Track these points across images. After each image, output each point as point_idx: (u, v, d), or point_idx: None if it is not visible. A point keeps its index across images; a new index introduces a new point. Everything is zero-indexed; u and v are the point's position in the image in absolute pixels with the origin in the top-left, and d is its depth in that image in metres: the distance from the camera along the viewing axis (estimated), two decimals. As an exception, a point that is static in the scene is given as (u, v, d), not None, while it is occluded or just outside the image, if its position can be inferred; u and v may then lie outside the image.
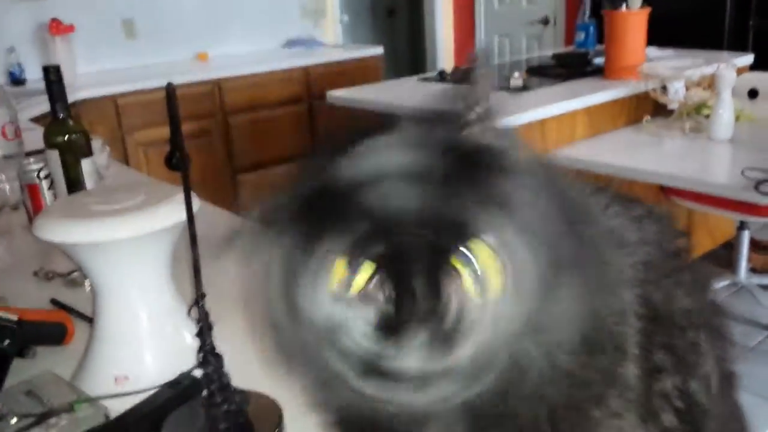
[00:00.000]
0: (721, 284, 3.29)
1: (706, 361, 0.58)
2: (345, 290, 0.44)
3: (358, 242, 0.43)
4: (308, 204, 0.46)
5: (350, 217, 0.43)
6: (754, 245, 3.57)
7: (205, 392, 0.89)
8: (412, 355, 0.42)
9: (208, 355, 0.87)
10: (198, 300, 0.87)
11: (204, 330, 0.86)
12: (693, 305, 0.58)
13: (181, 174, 0.89)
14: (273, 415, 0.91)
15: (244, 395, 0.91)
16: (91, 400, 0.95)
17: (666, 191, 3.00)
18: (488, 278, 0.43)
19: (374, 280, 0.43)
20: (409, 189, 0.43)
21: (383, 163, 0.45)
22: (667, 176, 2.71)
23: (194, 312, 0.88)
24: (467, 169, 0.44)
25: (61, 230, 0.95)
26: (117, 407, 0.95)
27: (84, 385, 1.01)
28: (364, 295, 0.43)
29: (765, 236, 3.75)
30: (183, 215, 0.91)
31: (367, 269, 0.43)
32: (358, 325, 0.44)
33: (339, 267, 0.44)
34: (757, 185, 2.32)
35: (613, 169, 2.75)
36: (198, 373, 0.93)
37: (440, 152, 0.45)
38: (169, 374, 0.99)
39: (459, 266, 0.43)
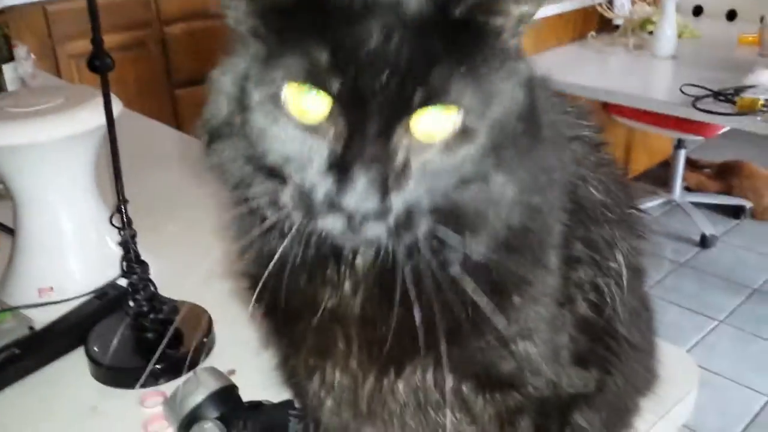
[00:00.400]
0: (656, 202, 3.38)
1: (618, 256, 0.60)
2: (298, 116, 0.44)
3: (318, 69, 0.43)
4: (287, 11, 0.45)
5: (320, 40, 0.43)
6: (690, 164, 3.66)
7: (130, 301, 0.87)
8: (349, 194, 0.43)
9: (132, 262, 0.84)
10: (120, 206, 0.83)
11: (127, 237, 0.84)
12: (610, 200, 0.60)
13: (100, 76, 0.85)
14: (202, 322, 0.90)
15: (172, 304, 0.89)
16: (14, 311, 0.92)
17: (608, 108, 3.02)
18: (437, 135, 0.44)
19: (329, 114, 0.44)
20: (388, 28, 0.43)
21: None
22: (609, 92, 2.72)
23: (116, 219, 0.85)
24: (450, 25, 0.44)
25: (-28, 133, 0.89)
26: (42, 319, 0.92)
27: (7, 298, 0.97)
28: (315, 128, 0.44)
29: (700, 156, 3.84)
30: (103, 118, 0.87)
31: (324, 100, 0.43)
32: (305, 155, 0.45)
33: (297, 91, 0.44)
34: (695, 102, 2.35)
35: (557, 85, 2.73)
36: (124, 282, 0.91)
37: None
38: (95, 284, 0.96)
39: (413, 117, 0.43)
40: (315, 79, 0.43)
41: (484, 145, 0.45)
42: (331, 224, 0.45)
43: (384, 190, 0.43)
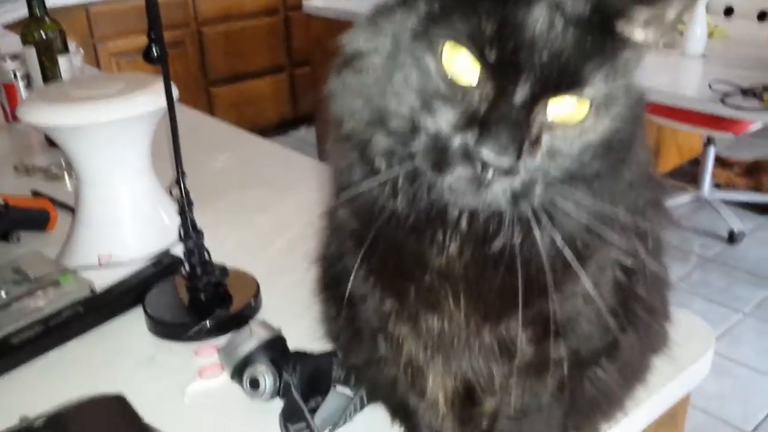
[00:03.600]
0: (685, 198, 3.40)
1: (646, 223, 0.65)
2: (450, 74, 0.49)
3: (480, 37, 0.48)
4: None
5: (492, 12, 0.47)
6: (719, 162, 3.67)
7: (186, 265, 0.95)
8: (489, 145, 0.47)
9: (189, 230, 0.92)
10: (179, 178, 0.91)
11: (184, 206, 0.91)
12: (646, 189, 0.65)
13: (161, 64, 0.92)
14: (250, 287, 0.98)
15: (223, 269, 0.97)
16: (77, 274, 1.01)
17: (636, 106, 3.05)
18: (568, 119, 0.50)
19: (479, 79, 0.49)
20: (552, 16, 0.48)
21: None
22: (638, 90, 2.74)
23: (175, 191, 0.93)
24: (599, 28, 0.49)
25: (45, 114, 0.98)
26: (102, 283, 1.01)
27: (69, 265, 1.06)
28: (464, 87, 0.49)
29: (729, 154, 3.84)
30: (162, 102, 0.95)
31: (475, 65, 0.48)
32: (449, 108, 0.49)
33: (454, 50, 0.49)
34: (723, 98, 2.38)
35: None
36: (178, 250, 0.99)
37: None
38: (149, 253, 1.04)
39: (554, 99, 0.49)
40: (475, 44, 0.48)
41: (600, 141, 0.51)
42: (460, 174, 0.49)
43: (520, 151, 0.48)
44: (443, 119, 0.49)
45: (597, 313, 0.63)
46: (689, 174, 3.63)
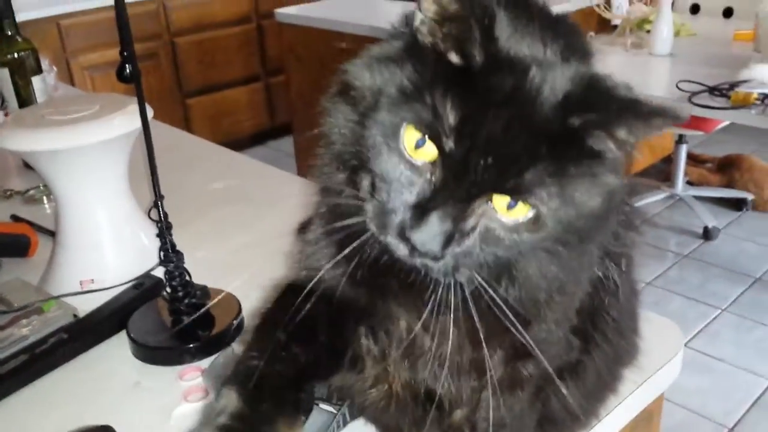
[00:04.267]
0: (660, 196, 3.45)
1: (622, 247, 0.68)
2: (407, 150, 0.52)
3: (441, 127, 0.50)
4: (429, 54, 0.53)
5: (457, 102, 0.50)
6: (691, 159, 3.74)
7: (167, 287, 0.96)
8: (419, 233, 0.51)
9: (169, 252, 0.93)
10: (157, 201, 0.92)
11: (163, 229, 0.93)
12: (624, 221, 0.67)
13: (134, 84, 0.93)
14: (232, 307, 0.99)
15: (204, 290, 0.98)
16: (59, 300, 1.01)
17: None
18: (508, 215, 0.52)
19: (432, 162, 0.52)
20: (513, 118, 0.50)
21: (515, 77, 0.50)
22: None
23: (153, 213, 0.93)
24: (562, 131, 0.50)
25: (21, 139, 0.98)
26: (85, 308, 1.01)
27: (51, 291, 1.06)
28: (416, 166, 0.52)
29: (701, 151, 3.91)
30: (138, 122, 0.96)
31: (431, 151, 0.52)
32: (398, 182, 0.53)
33: (413, 132, 0.52)
34: (690, 97, 2.43)
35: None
36: (159, 272, 1.00)
37: (557, 106, 0.50)
38: (130, 276, 1.05)
39: (499, 198, 0.51)
40: (434, 131, 0.51)
41: (545, 236, 0.53)
42: (395, 246, 0.53)
43: (447, 242, 0.51)
44: (391, 192, 0.53)
45: (561, 338, 0.66)
46: (663, 172, 3.69)
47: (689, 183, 3.60)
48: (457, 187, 0.51)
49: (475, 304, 0.56)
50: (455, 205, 0.51)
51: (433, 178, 0.52)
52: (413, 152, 0.52)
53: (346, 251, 0.58)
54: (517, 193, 0.51)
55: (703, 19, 3.55)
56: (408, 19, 0.57)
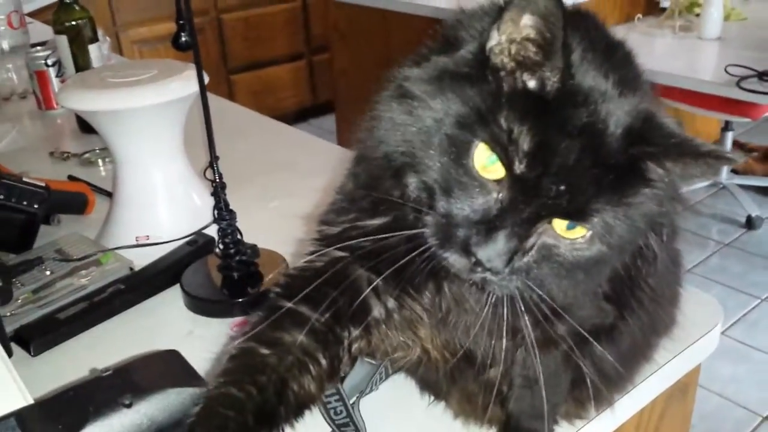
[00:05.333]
0: (703, 184, 3.41)
1: (665, 218, 0.69)
2: (476, 167, 0.54)
3: (515, 151, 0.53)
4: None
5: (534, 130, 0.53)
6: (738, 147, 3.68)
7: (219, 245, 1.00)
8: (485, 249, 0.54)
9: (223, 210, 0.97)
10: (212, 161, 0.96)
11: (218, 188, 0.96)
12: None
13: (192, 50, 0.96)
14: (279, 266, 1.02)
15: (254, 248, 1.02)
16: (116, 253, 1.06)
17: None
18: (568, 241, 0.56)
19: (498, 181, 0.54)
20: (584, 150, 0.53)
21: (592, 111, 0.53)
22: (654, 74, 2.75)
23: (209, 173, 0.98)
24: (623, 161, 0.54)
25: (84, 99, 1.03)
26: (139, 262, 1.06)
27: (108, 245, 1.11)
28: (484, 184, 0.55)
29: (747, 139, 3.84)
30: (194, 87, 1.00)
31: (499, 171, 0.54)
32: (469, 198, 0.55)
33: (485, 151, 0.54)
34: (739, 82, 2.40)
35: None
36: (211, 231, 1.04)
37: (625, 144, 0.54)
38: (182, 234, 1.09)
39: (560, 223, 0.55)
40: (508, 154, 0.53)
41: (595, 252, 0.56)
42: (454, 261, 0.56)
43: (511, 260, 0.55)
44: (455, 206, 0.55)
45: (593, 303, 0.68)
46: (707, 159, 3.64)
47: (734, 171, 3.54)
48: (525, 208, 0.53)
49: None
50: (522, 225, 0.54)
51: (500, 197, 0.54)
52: (482, 170, 0.54)
53: (401, 262, 0.61)
54: (582, 219, 0.54)
55: (754, 3, 3.47)
56: (460, 24, 0.60)
